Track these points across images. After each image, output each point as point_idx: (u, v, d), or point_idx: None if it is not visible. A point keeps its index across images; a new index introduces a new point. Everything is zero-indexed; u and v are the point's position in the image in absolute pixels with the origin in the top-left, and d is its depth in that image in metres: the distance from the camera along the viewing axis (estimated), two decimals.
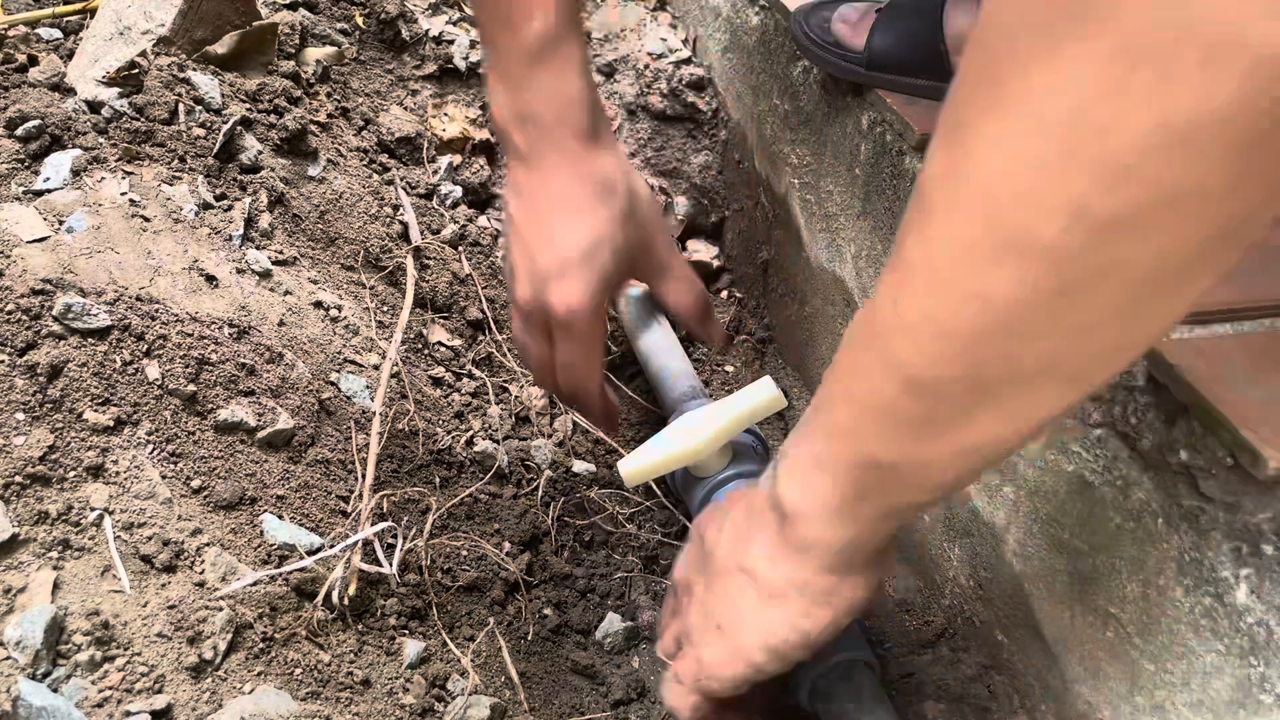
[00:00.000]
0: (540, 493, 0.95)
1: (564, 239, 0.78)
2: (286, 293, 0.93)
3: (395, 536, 0.78)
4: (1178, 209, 0.35)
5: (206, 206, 0.93)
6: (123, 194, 0.87)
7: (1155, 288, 0.38)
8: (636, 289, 1.05)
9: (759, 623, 0.58)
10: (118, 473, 0.70)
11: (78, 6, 1.11)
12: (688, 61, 1.30)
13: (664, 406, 1.00)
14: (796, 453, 0.55)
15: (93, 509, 0.68)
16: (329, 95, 1.18)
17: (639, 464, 0.84)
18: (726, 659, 0.61)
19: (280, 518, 0.76)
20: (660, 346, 1.03)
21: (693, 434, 0.84)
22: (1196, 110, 0.32)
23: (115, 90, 0.97)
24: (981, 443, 0.46)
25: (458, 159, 1.28)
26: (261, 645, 0.67)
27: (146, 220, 0.87)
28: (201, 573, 0.69)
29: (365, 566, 0.74)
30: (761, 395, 0.84)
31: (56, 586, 0.64)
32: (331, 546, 0.75)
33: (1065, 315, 0.39)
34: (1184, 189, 0.34)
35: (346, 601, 0.72)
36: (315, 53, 1.18)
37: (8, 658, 0.60)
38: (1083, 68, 0.34)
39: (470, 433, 0.97)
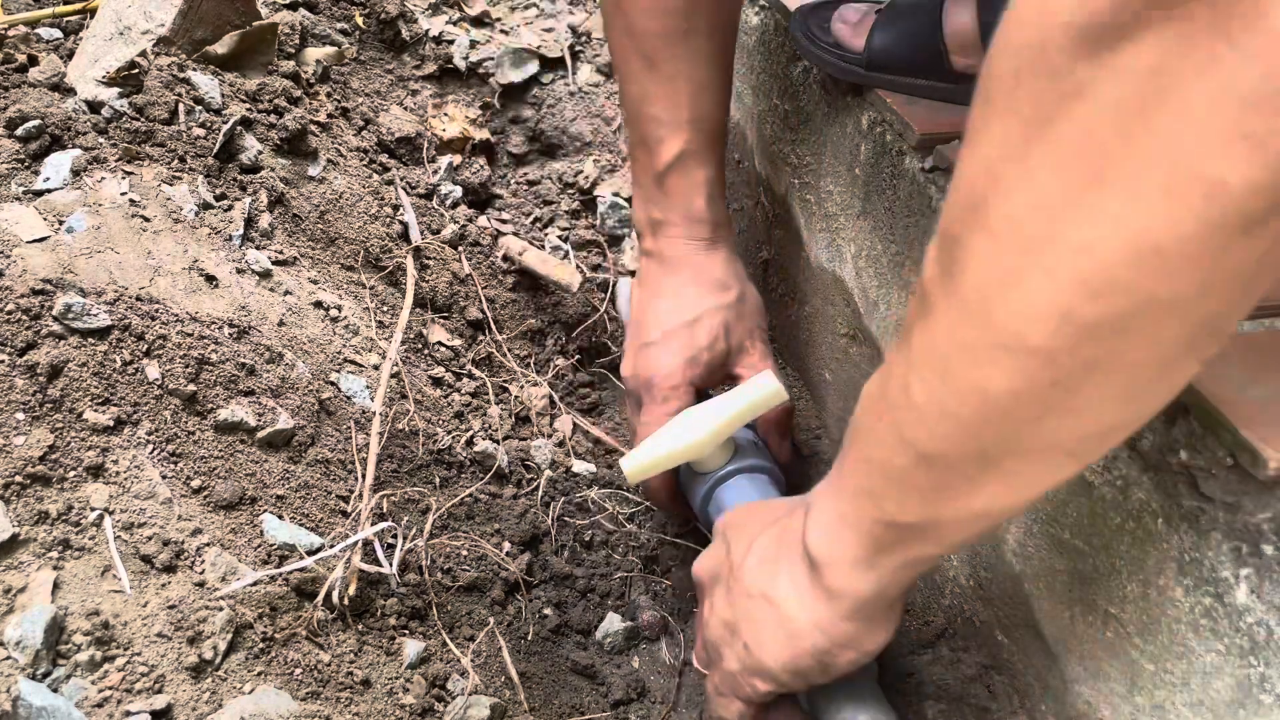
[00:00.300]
0: (540, 493, 0.95)
1: (670, 316, 0.89)
2: (286, 293, 0.93)
3: (395, 536, 0.78)
4: (1156, 313, 0.38)
5: (206, 206, 0.93)
6: (123, 194, 0.87)
7: (1144, 378, 0.41)
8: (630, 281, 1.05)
9: (784, 652, 0.62)
10: (118, 473, 0.70)
11: (78, 6, 1.11)
12: None
13: None
14: (824, 505, 0.58)
15: (93, 509, 0.68)
16: (329, 95, 1.18)
17: (641, 460, 0.84)
18: (754, 675, 0.65)
19: (280, 518, 0.76)
20: None
21: (694, 429, 0.84)
22: (1164, 231, 0.35)
23: (115, 90, 0.97)
24: (990, 508, 0.50)
25: (458, 159, 1.28)
26: (261, 645, 0.67)
27: (146, 220, 0.87)
28: (201, 573, 0.69)
29: (365, 566, 0.74)
30: (763, 389, 0.84)
31: (56, 586, 0.64)
32: (331, 546, 0.75)
33: (1060, 403, 0.42)
34: (1160, 297, 0.37)
35: (346, 601, 0.72)
36: (315, 53, 1.18)
37: (8, 658, 0.60)
38: (1056, 190, 0.37)
39: (470, 433, 0.97)
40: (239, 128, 1.00)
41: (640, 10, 0.84)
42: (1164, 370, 0.41)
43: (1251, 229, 0.35)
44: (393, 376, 0.94)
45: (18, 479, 0.66)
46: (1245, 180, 0.33)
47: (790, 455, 0.98)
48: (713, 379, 0.91)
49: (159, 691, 0.62)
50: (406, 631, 0.76)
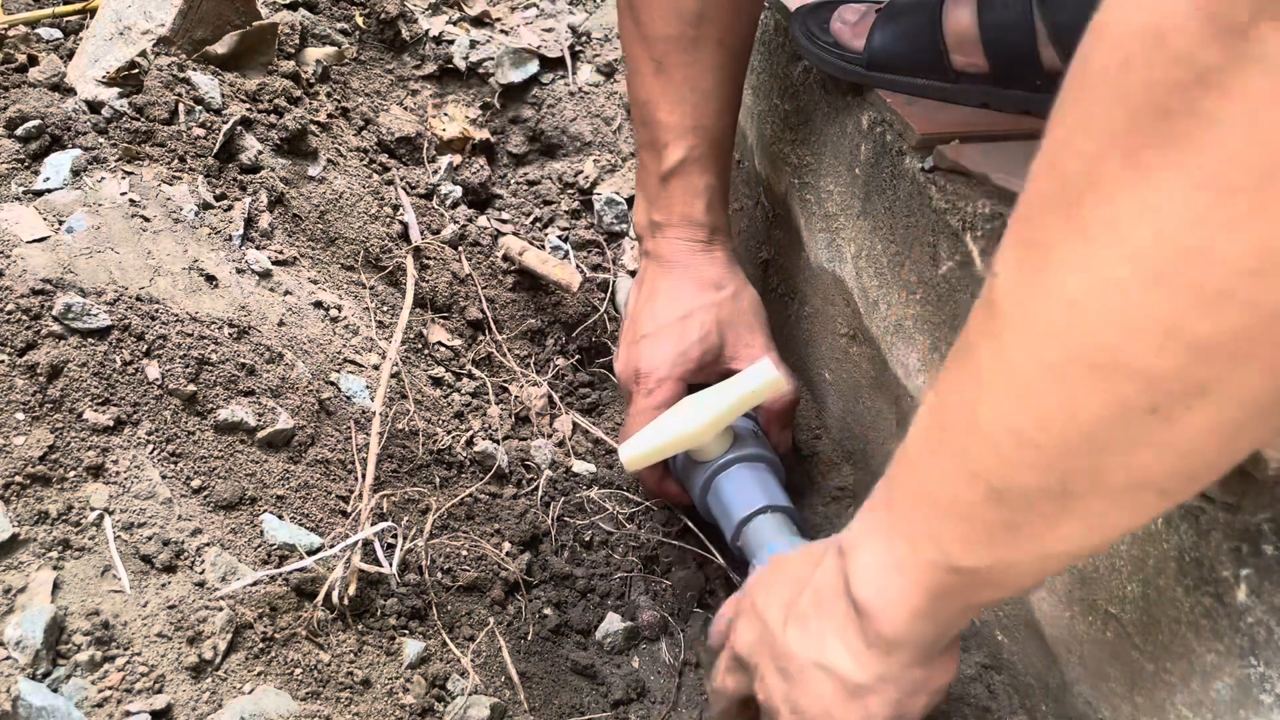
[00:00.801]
0: (540, 493, 0.95)
1: (663, 313, 0.90)
2: (286, 293, 0.93)
3: (395, 536, 0.78)
4: (1277, 332, 0.33)
5: (206, 206, 0.93)
6: (123, 194, 0.87)
7: (1255, 409, 0.36)
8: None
9: (853, 712, 0.57)
10: (118, 473, 0.70)
11: (78, 6, 1.11)
12: None
13: None
14: (872, 550, 0.53)
15: (93, 509, 0.68)
16: (329, 95, 1.18)
17: (640, 448, 0.84)
18: None
19: (280, 518, 0.76)
20: None
21: (693, 418, 0.84)
22: None
23: (115, 90, 0.97)
24: (1065, 550, 0.46)
25: (458, 159, 1.28)
26: (261, 645, 0.67)
27: (146, 220, 0.87)
28: (201, 573, 0.69)
29: (365, 566, 0.74)
30: (761, 378, 0.84)
31: (56, 586, 0.64)
32: (331, 546, 0.75)
33: (1157, 434, 0.37)
34: None
35: (346, 601, 0.72)
36: (315, 53, 1.19)
37: (8, 658, 0.60)
38: (1172, 195, 0.33)
39: (470, 433, 0.97)
40: (239, 128, 1.00)
41: (652, 15, 0.84)
42: (1275, 402, 0.36)
43: None
44: (393, 376, 0.94)
45: (18, 479, 0.66)
46: None
47: (790, 446, 0.98)
48: (705, 374, 0.91)
49: (159, 691, 0.62)
50: (406, 631, 0.76)
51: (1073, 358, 0.38)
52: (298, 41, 1.17)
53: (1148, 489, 0.40)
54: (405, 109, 1.28)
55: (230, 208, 0.95)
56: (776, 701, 0.61)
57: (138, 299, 0.79)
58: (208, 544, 0.71)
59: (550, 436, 1.04)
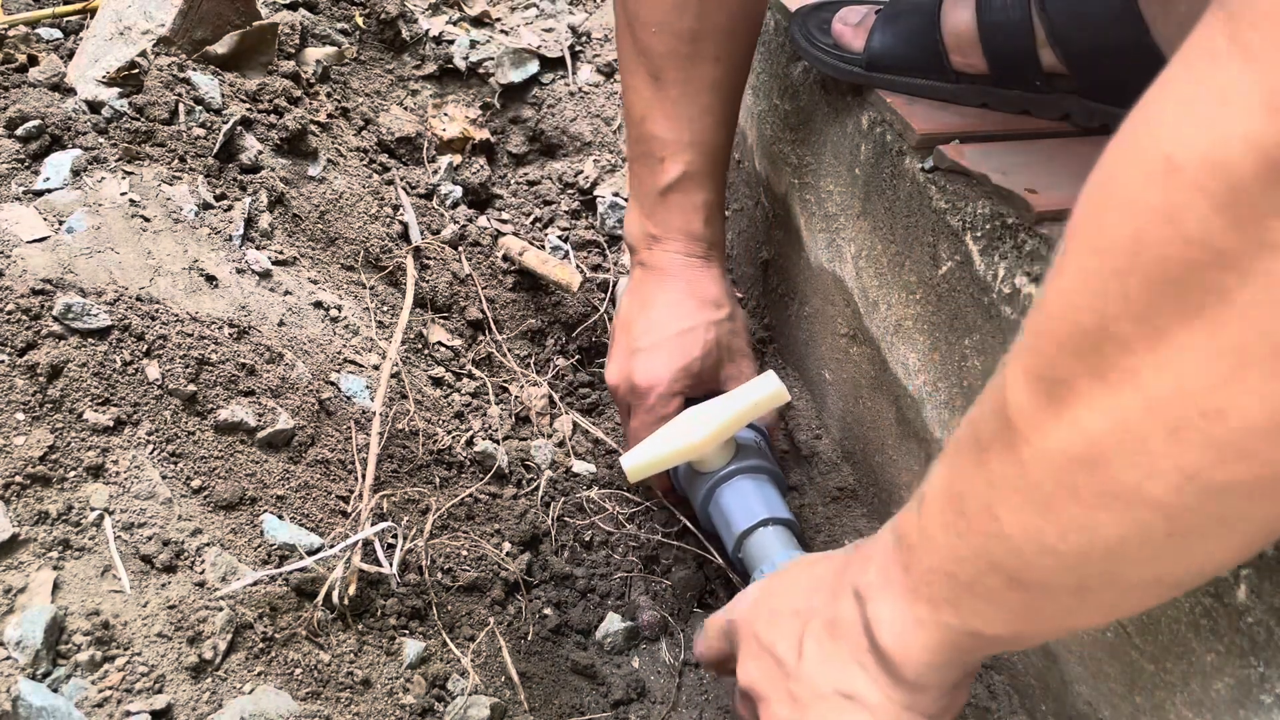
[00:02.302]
0: (540, 493, 0.95)
1: (663, 325, 0.90)
2: (286, 293, 0.93)
3: (395, 536, 0.78)
4: None
5: (206, 206, 0.93)
6: (123, 194, 0.87)
7: (1269, 530, 0.38)
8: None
9: None
10: (118, 473, 0.70)
11: (78, 6, 1.11)
12: None
13: None
14: (893, 605, 0.54)
15: (93, 509, 0.68)
16: (329, 95, 1.18)
17: (642, 459, 0.84)
18: None
19: (280, 518, 0.76)
20: None
21: (696, 429, 0.84)
22: None
23: (115, 90, 0.97)
24: (1083, 626, 0.49)
25: (458, 159, 1.28)
26: (261, 645, 0.67)
27: (146, 220, 0.87)
28: (201, 573, 0.69)
29: (365, 566, 0.74)
30: (764, 390, 0.84)
31: (56, 586, 0.64)
32: (331, 546, 0.75)
33: (1174, 551, 0.39)
34: None
35: (346, 601, 0.72)
36: (315, 53, 1.19)
37: (8, 658, 0.60)
38: (1192, 357, 0.33)
39: (470, 433, 0.97)
40: (239, 128, 1.00)
41: (649, 30, 0.84)
42: None
43: None
44: (393, 376, 0.94)
45: (18, 479, 0.66)
46: None
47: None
48: (700, 391, 0.91)
49: (159, 691, 0.62)
50: (406, 631, 0.76)
51: (1091, 486, 0.38)
52: (298, 41, 1.17)
53: (1162, 585, 0.42)
54: (405, 109, 1.28)
55: (230, 208, 0.95)
56: None
57: (138, 299, 0.79)
58: (208, 544, 0.71)
59: (550, 436, 1.04)
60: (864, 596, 0.56)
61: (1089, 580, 0.42)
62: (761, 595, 0.67)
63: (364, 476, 0.82)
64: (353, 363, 0.94)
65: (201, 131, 0.97)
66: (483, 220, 1.25)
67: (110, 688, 0.61)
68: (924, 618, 0.52)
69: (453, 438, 0.95)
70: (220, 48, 1.06)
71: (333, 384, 0.90)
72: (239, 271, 0.90)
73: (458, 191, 1.24)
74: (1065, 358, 0.38)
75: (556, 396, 1.09)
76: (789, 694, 0.61)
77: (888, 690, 0.56)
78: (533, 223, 1.29)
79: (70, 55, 1.04)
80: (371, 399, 0.90)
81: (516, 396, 1.05)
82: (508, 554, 0.87)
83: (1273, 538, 0.39)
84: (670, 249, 0.92)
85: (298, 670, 0.68)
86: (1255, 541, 0.39)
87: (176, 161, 0.94)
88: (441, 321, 1.09)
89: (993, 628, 0.48)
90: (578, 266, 1.21)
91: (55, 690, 0.60)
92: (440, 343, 1.06)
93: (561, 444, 1.03)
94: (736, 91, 0.90)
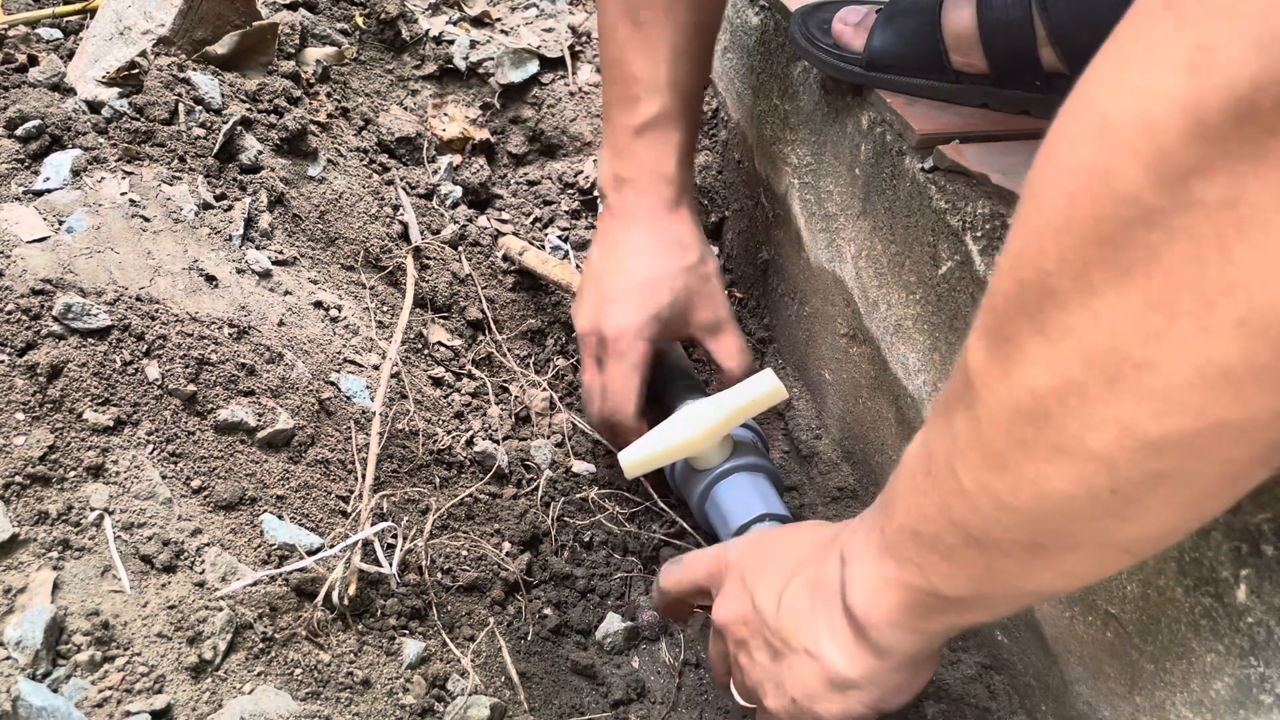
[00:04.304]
0: (540, 493, 0.95)
1: (631, 273, 0.91)
2: (286, 293, 0.93)
3: (395, 536, 0.78)
4: (1225, 436, 0.35)
5: (206, 206, 0.93)
6: (123, 194, 0.87)
7: (1209, 490, 0.39)
8: None
9: (836, 705, 0.60)
10: (118, 473, 0.70)
11: (78, 6, 1.11)
12: None
13: (664, 400, 1.00)
14: (866, 566, 0.56)
15: (93, 509, 0.68)
16: (329, 95, 1.18)
17: (640, 455, 0.85)
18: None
19: (280, 518, 0.76)
20: None
21: (693, 426, 0.84)
22: (1236, 361, 0.33)
23: (115, 90, 0.97)
24: (1041, 590, 0.49)
25: (458, 159, 1.28)
26: (261, 645, 0.67)
27: (146, 220, 0.87)
28: (201, 573, 0.69)
29: (365, 566, 0.74)
30: (762, 388, 0.84)
31: (56, 586, 0.64)
32: (331, 546, 0.75)
33: (1119, 509, 0.40)
34: (1229, 422, 0.35)
35: (346, 601, 0.72)
36: (315, 53, 1.18)
37: (8, 658, 0.60)
38: (1122, 312, 0.35)
39: (470, 433, 0.97)
40: (239, 128, 1.00)
41: None
42: (1231, 483, 0.39)
43: None
44: (393, 376, 0.94)
45: (18, 479, 0.66)
46: None
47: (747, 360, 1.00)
48: (669, 337, 0.93)
49: (159, 691, 0.62)
50: (406, 631, 0.76)
51: (1039, 440, 0.40)
52: (298, 41, 1.17)
53: (1113, 548, 0.43)
54: (405, 109, 1.28)
55: (230, 208, 0.95)
56: (759, 674, 0.64)
57: (138, 299, 0.79)
58: (208, 544, 0.71)
59: (550, 436, 1.04)
60: (847, 559, 0.58)
61: (1042, 538, 0.44)
62: (759, 543, 0.70)
63: (364, 476, 0.82)
64: (353, 363, 0.94)
65: (201, 131, 0.97)
66: (483, 220, 1.25)
67: (110, 688, 0.61)
68: (890, 576, 0.54)
69: (453, 438, 0.95)
70: (220, 48, 1.06)
71: (333, 384, 0.90)
72: (239, 271, 0.90)
73: (458, 191, 1.24)
74: (1012, 314, 0.39)
75: (556, 396, 1.09)
76: (763, 642, 0.64)
77: (850, 653, 0.58)
78: (533, 223, 1.29)
79: (70, 55, 1.04)
80: (371, 399, 0.90)
81: (516, 396, 1.06)
82: (508, 554, 0.87)
83: (1217, 505, 0.41)
84: (638, 192, 0.92)
85: (298, 670, 0.68)
86: (1200, 505, 0.40)
87: (176, 161, 0.94)
88: (441, 321, 1.09)
89: (953, 587, 0.50)
90: (578, 266, 1.21)
91: (55, 690, 0.59)
92: (440, 343, 1.06)
93: (561, 444, 1.03)
94: (710, 37, 0.93)
